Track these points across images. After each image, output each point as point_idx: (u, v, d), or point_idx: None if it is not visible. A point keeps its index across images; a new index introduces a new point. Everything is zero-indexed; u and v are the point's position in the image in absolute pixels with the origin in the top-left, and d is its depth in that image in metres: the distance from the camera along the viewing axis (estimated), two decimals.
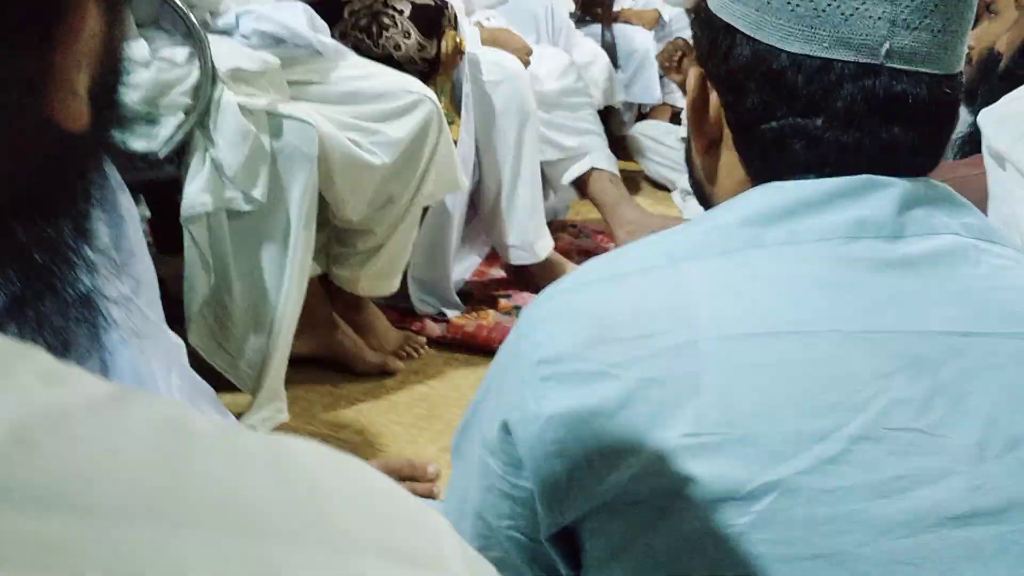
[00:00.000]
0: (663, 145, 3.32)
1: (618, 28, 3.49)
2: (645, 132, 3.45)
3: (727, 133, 0.69)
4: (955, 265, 0.61)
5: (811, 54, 0.62)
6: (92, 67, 0.33)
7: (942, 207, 0.63)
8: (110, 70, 0.35)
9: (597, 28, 3.42)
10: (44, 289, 0.36)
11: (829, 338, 0.58)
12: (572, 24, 3.04)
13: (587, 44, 3.15)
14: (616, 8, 3.52)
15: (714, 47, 0.68)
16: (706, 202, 0.74)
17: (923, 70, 0.62)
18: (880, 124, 0.63)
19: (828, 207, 0.61)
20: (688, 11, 2.18)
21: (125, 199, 1.12)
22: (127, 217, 1.10)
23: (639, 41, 3.48)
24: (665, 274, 0.62)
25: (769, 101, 0.64)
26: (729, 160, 0.70)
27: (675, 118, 3.61)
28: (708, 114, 0.70)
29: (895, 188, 0.61)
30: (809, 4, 0.62)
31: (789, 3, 0.62)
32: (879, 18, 0.61)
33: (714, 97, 0.69)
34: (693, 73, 0.71)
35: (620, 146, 3.27)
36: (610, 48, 3.37)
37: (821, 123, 0.63)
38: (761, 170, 0.66)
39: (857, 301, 0.59)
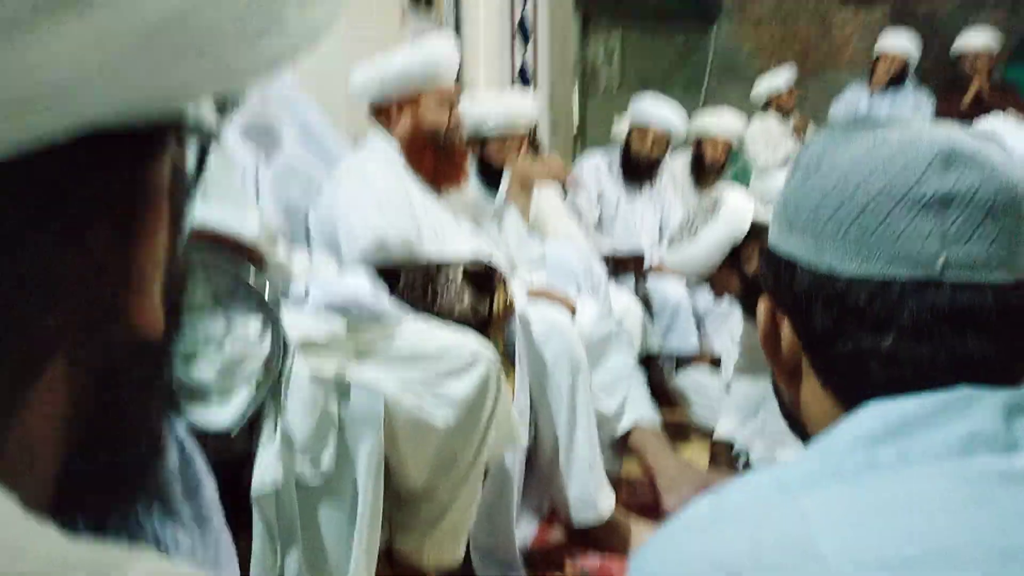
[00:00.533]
0: (704, 394, 3.30)
1: (652, 281, 3.59)
2: (687, 381, 3.44)
3: (805, 360, 0.71)
4: None
5: (869, 274, 0.64)
6: (163, 273, 0.32)
7: None
8: (177, 281, 0.34)
9: (631, 281, 3.53)
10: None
11: (973, 561, 0.54)
12: (606, 277, 3.13)
13: (622, 295, 3.22)
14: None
15: (778, 278, 0.71)
16: (800, 430, 0.75)
17: (986, 280, 0.63)
18: (952, 336, 0.63)
19: (934, 423, 0.60)
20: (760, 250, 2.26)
21: (200, 464, 1.07)
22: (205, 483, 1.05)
23: (672, 292, 3.57)
24: (780, 506, 0.59)
25: (838, 322, 0.66)
26: (812, 386, 0.71)
27: (715, 364, 3.62)
28: (781, 344, 0.72)
29: (996, 399, 0.60)
30: (857, 228, 0.65)
31: (839, 229, 0.65)
32: (929, 234, 0.63)
33: (785, 326, 0.71)
34: (762, 306, 0.74)
35: (664, 396, 3.25)
36: (645, 300, 3.45)
37: (892, 340, 0.64)
38: (845, 392, 0.67)
39: (991, 519, 0.56)
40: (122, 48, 0.25)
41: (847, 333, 0.66)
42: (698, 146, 4.35)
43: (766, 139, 5.21)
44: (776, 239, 0.72)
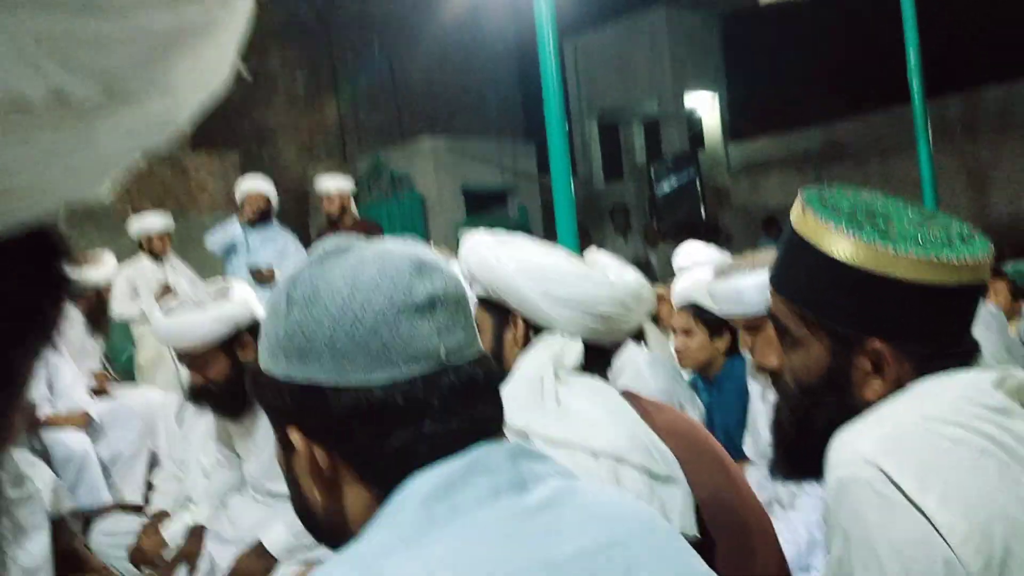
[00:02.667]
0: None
1: (49, 435, 3.32)
2: (106, 532, 3.22)
3: (344, 471, 0.77)
4: (572, 498, 0.75)
5: (396, 378, 0.74)
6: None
7: (533, 457, 0.78)
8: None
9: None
10: None
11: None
12: None
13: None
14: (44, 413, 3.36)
15: (305, 407, 0.76)
16: (341, 539, 0.77)
17: (471, 358, 0.78)
18: (468, 407, 0.76)
19: (471, 478, 0.72)
20: (249, 389, 2.26)
21: None
22: None
23: (74, 443, 3.34)
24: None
25: (383, 427, 0.74)
26: (354, 490, 0.77)
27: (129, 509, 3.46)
28: (319, 464, 0.76)
29: (504, 450, 0.76)
30: (377, 341, 0.74)
31: (361, 347, 0.73)
32: (428, 332, 0.75)
33: (317, 448, 0.76)
34: (294, 436, 0.77)
35: (74, 561, 2.99)
36: (45, 456, 3.18)
37: (431, 424, 0.74)
38: (394, 481, 0.73)
39: (529, 543, 0.70)
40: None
41: (392, 432, 0.74)
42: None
43: (142, 282, 5.20)
44: (289, 371, 0.76)
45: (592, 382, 1.36)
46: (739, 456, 2.39)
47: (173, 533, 2.58)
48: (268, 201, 5.36)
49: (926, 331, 1.00)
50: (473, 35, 11.80)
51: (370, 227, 5.96)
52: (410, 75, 11.46)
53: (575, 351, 1.35)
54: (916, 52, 6.69)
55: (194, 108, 0.31)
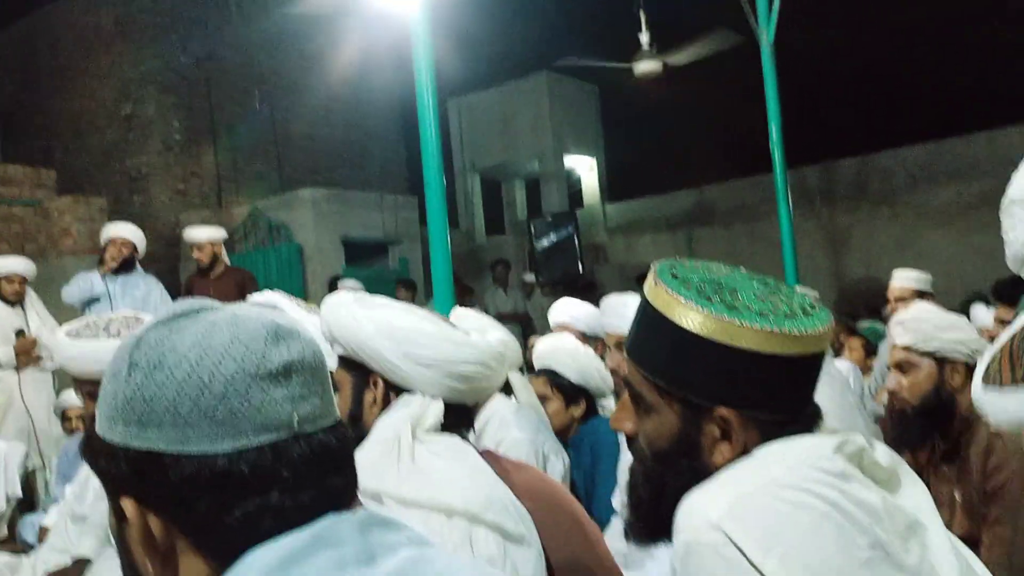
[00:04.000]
0: None
1: None
2: None
3: (181, 543, 0.73)
4: (423, 569, 0.73)
5: (244, 447, 0.71)
6: None
7: (385, 526, 0.75)
8: None
9: None
10: None
11: None
12: None
13: None
14: None
15: (143, 476, 0.72)
16: None
17: (325, 425, 0.76)
18: (318, 476, 0.74)
19: (315, 550, 0.70)
20: (82, 452, 2.12)
21: None
22: None
23: None
24: None
25: (225, 497, 0.71)
26: (191, 563, 0.73)
27: None
28: (153, 535, 0.73)
29: (353, 520, 0.73)
30: (225, 409, 0.71)
31: (206, 414, 0.70)
32: (282, 400, 0.73)
33: (153, 519, 0.73)
34: (127, 505, 0.73)
35: None
36: None
37: (278, 495, 0.71)
38: (235, 555, 0.70)
39: None
40: None
41: (235, 503, 0.70)
42: None
43: None
44: (126, 438, 0.72)
45: (451, 441, 1.36)
46: (604, 513, 2.42)
47: None
48: (133, 247, 5.17)
49: (771, 399, 1.04)
50: (358, 90, 11.82)
51: (243, 276, 5.83)
52: (292, 126, 11.36)
53: (435, 411, 1.35)
54: (778, 126, 7.12)
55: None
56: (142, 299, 5.06)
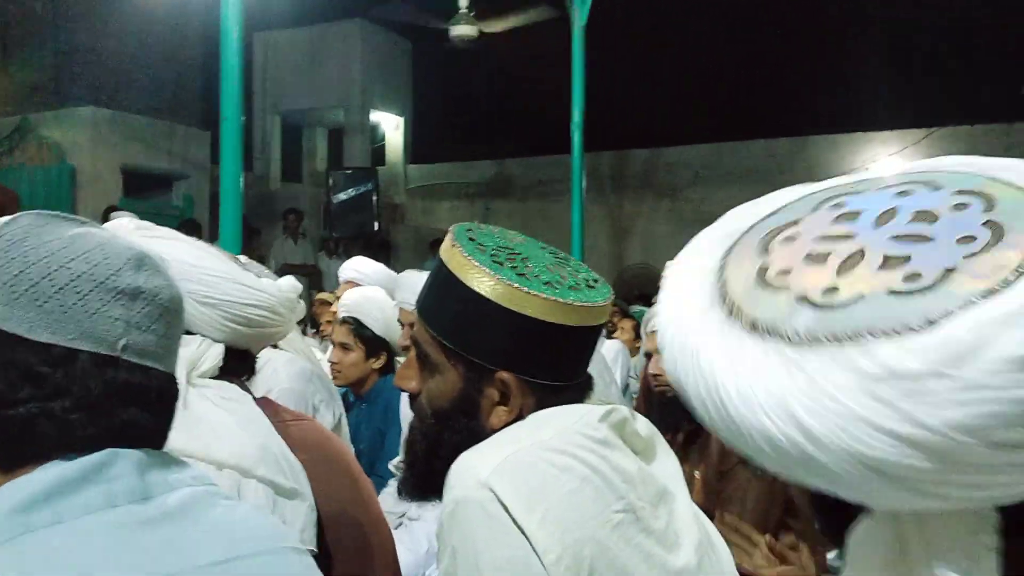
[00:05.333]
0: None
1: None
2: None
3: None
4: (199, 510, 0.74)
5: (57, 343, 0.70)
6: None
7: (166, 465, 0.76)
8: None
9: None
10: None
11: None
12: None
13: None
14: None
15: None
16: None
17: (153, 366, 0.76)
18: (120, 407, 0.73)
19: (85, 483, 0.69)
20: None
21: None
22: None
23: None
24: None
25: (15, 386, 0.70)
26: None
27: None
28: None
29: (135, 458, 0.73)
30: (56, 302, 0.71)
31: (36, 300, 0.70)
32: (117, 319, 0.73)
33: None
34: None
35: None
36: None
37: (68, 405, 0.70)
38: (12, 456, 0.70)
39: (142, 557, 0.68)
40: None
41: (23, 397, 0.70)
42: None
43: None
44: None
45: (228, 389, 1.32)
46: (384, 471, 2.43)
47: None
48: None
49: (550, 366, 1.09)
50: (157, 7, 10.98)
51: (5, 195, 5.31)
52: (77, 36, 10.38)
53: (214, 355, 1.30)
54: (580, 109, 7.36)
55: None
56: None
